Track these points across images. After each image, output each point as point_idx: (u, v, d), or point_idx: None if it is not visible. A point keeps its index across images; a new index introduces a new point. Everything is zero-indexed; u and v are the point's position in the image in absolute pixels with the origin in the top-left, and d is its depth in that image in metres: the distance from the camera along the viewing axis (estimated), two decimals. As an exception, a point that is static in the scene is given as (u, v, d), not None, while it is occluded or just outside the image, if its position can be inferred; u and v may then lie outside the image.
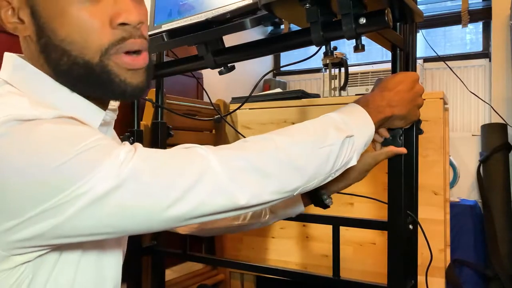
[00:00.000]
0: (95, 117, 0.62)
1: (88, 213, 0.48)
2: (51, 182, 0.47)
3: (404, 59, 0.83)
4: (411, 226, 0.85)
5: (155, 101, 1.36)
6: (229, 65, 0.93)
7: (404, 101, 0.76)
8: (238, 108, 1.26)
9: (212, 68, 0.93)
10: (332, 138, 0.64)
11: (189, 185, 0.52)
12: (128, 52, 0.58)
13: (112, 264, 0.65)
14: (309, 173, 0.62)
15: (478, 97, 2.00)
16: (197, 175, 0.53)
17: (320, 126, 0.66)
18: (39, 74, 0.58)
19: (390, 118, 0.76)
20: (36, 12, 0.56)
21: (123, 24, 0.57)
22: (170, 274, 1.68)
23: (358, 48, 0.73)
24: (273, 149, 0.60)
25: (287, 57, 3.14)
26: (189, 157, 0.54)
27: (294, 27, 3.39)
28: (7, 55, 0.60)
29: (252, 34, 2.87)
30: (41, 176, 0.47)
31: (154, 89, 1.48)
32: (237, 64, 0.95)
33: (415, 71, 0.86)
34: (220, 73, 0.95)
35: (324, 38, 0.72)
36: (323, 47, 0.77)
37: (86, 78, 0.58)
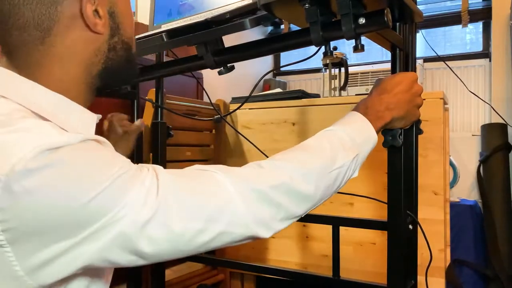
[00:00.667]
0: (92, 122, 0.64)
1: (116, 242, 0.51)
2: (86, 213, 0.49)
3: (403, 59, 0.83)
4: (411, 226, 0.85)
5: (155, 101, 1.36)
6: (228, 65, 0.93)
7: (402, 103, 0.77)
8: (238, 108, 1.26)
9: (212, 68, 0.93)
10: (341, 160, 0.68)
11: (211, 217, 0.55)
12: None
13: None
14: (318, 198, 0.66)
15: (478, 97, 2.00)
16: (218, 207, 0.56)
17: (330, 148, 0.68)
18: (29, 82, 0.58)
19: (390, 122, 0.77)
20: (114, 12, 0.62)
21: None
22: (170, 274, 1.68)
23: (358, 48, 0.73)
24: (287, 180, 0.62)
25: (287, 57, 3.14)
26: (210, 188, 0.57)
27: (294, 27, 3.38)
28: None
29: (252, 34, 2.87)
30: (75, 208, 0.48)
31: (154, 89, 1.48)
32: (237, 64, 0.95)
33: (415, 71, 0.86)
34: (220, 73, 0.95)
35: (324, 38, 0.72)
36: (323, 47, 0.77)
37: (129, 70, 0.67)
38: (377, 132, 0.75)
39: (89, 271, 0.57)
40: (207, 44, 0.90)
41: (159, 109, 1.35)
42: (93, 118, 0.64)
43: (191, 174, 0.59)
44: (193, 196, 0.55)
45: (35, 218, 0.48)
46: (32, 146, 0.47)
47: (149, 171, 0.55)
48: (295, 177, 0.63)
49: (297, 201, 0.63)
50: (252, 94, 1.19)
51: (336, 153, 0.68)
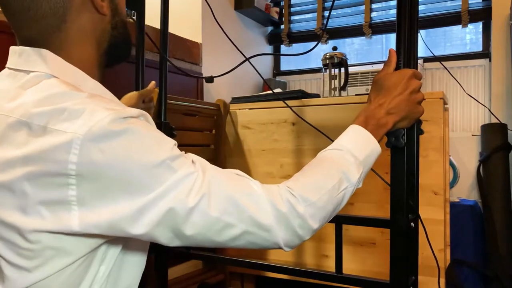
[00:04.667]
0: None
1: (165, 218, 0.58)
2: (148, 176, 0.56)
3: (405, 59, 0.84)
4: (412, 224, 0.86)
5: (157, 102, 1.35)
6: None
7: (402, 104, 0.78)
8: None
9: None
10: (346, 182, 0.72)
11: (242, 215, 0.61)
12: None
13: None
14: (328, 218, 0.72)
15: (478, 101, 2.00)
16: (249, 208, 0.62)
17: (336, 172, 0.72)
18: (74, 68, 0.67)
19: (393, 126, 0.79)
20: None
21: None
22: (171, 273, 1.68)
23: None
24: (311, 203, 0.67)
25: (287, 58, 3.15)
26: (245, 190, 0.63)
27: (294, 27, 3.36)
28: (35, 50, 0.65)
29: (252, 34, 2.87)
30: (139, 171, 0.56)
31: (155, 89, 1.48)
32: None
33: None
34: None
35: None
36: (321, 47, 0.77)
37: (127, 45, 0.77)
38: (381, 140, 0.77)
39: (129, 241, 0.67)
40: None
41: (163, 109, 1.34)
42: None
43: (231, 175, 0.65)
44: (231, 193, 0.61)
45: (104, 176, 0.55)
46: (105, 114, 0.56)
47: (197, 161, 0.62)
48: (314, 202, 0.68)
49: (314, 220, 0.68)
50: (252, 94, 1.18)
51: (341, 177, 0.71)
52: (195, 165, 0.61)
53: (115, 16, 0.72)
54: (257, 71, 1.16)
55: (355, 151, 0.74)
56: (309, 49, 1.05)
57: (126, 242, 0.68)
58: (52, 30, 0.65)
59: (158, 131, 0.63)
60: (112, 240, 0.63)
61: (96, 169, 0.55)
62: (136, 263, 0.72)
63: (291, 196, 0.65)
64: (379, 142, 0.77)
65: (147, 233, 0.58)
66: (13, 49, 0.66)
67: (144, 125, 0.60)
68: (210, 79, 1.25)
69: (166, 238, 0.60)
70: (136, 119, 0.60)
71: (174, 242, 0.61)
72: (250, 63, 1.08)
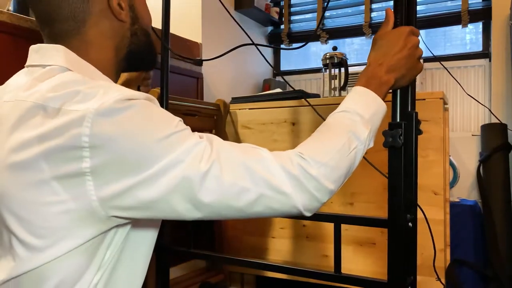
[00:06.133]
0: None
1: (180, 187, 0.60)
2: (158, 147, 0.59)
3: (404, 18, 0.84)
4: (410, 224, 0.86)
5: (159, 102, 1.35)
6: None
7: (402, 60, 0.79)
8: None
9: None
10: (356, 141, 0.72)
11: (255, 179, 0.63)
12: None
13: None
14: (344, 177, 0.71)
15: (478, 101, 2.00)
16: (262, 172, 0.63)
17: (344, 132, 0.72)
18: (88, 65, 0.70)
19: (394, 84, 0.79)
20: (133, 5, 0.76)
21: None
22: (171, 273, 1.68)
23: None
24: (323, 164, 0.67)
25: (287, 57, 3.15)
26: (256, 157, 0.65)
27: (294, 27, 3.37)
28: (51, 46, 0.69)
29: (253, 34, 2.86)
30: (149, 142, 0.59)
31: (155, 89, 1.48)
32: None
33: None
34: None
35: None
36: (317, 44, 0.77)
37: (150, 54, 0.81)
38: (385, 97, 0.78)
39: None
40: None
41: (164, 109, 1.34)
42: None
43: (239, 145, 0.67)
44: (241, 159, 0.63)
45: (116, 147, 0.58)
46: (114, 94, 0.59)
47: (204, 135, 0.65)
48: (325, 162, 0.68)
49: (329, 180, 0.68)
50: (252, 94, 1.19)
51: (350, 136, 0.72)
52: (203, 138, 0.64)
53: (134, 23, 0.76)
54: (259, 51, 1.16)
55: (360, 111, 0.74)
56: (302, 44, 1.05)
57: (134, 229, 0.69)
58: (72, 32, 0.70)
59: (165, 110, 0.66)
60: (121, 225, 0.65)
61: (108, 140, 0.57)
62: (143, 253, 0.73)
63: (301, 160, 0.66)
64: (383, 100, 0.78)
65: (165, 200, 0.60)
66: (31, 48, 0.70)
67: (151, 105, 0.63)
68: (199, 62, 1.26)
69: (184, 209, 0.61)
70: (144, 100, 0.63)
71: (195, 214, 0.62)
72: (256, 47, 1.09)
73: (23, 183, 0.60)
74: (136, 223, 0.69)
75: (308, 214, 0.68)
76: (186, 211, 0.62)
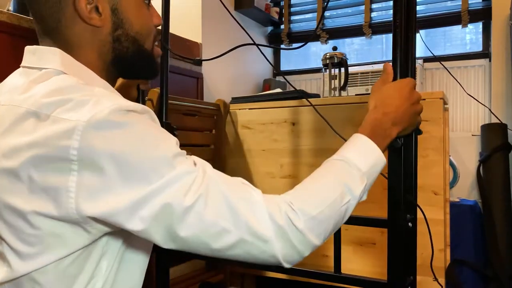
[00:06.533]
0: None
1: (161, 213, 0.57)
2: (145, 168, 0.57)
3: (403, 59, 0.84)
4: (410, 224, 0.86)
5: (159, 102, 1.35)
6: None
7: (406, 115, 0.78)
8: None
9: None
10: (349, 195, 0.70)
11: (238, 223, 0.60)
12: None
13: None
14: (330, 231, 0.69)
15: (478, 101, 2.00)
16: (247, 216, 0.61)
17: (339, 184, 0.70)
18: (84, 67, 0.69)
19: (396, 136, 0.79)
20: (117, 9, 0.70)
21: (157, 24, 0.78)
22: (171, 273, 1.68)
23: None
24: (311, 217, 0.65)
25: (287, 57, 3.15)
26: (245, 198, 0.62)
27: (294, 27, 3.36)
28: (48, 49, 0.68)
29: (252, 34, 2.86)
30: (138, 161, 0.57)
31: (155, 89, 1.48)
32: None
33: (414, 71, 0.86)
34: None
35: None
36: (315, 45, 0.77)
37: (141, 62, 0.75)
38: (384, 151, 0.77)
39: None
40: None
41: (164, 110, 1.34)
42: None
43: (232, 180, 0.64)
44: (228, 198, 0.61)
45: (104, 164, 0.56)
46: (108, 105, 0.57)
47: (198, 163, 0.62)
48: (316, 216, 0.66)
49: (314, 234, 0.66)
50: (252, 94, 1.19)
51: (343, 190, 0.69)
52: (196, 166, 0.61)
53: (118, 29, 0.71)
54: (260, 51, 1.16)
55: (359, 163, 0.72)
56: (302, 44, 1.05)
57: (128, 238, 0.68)
58: (53, 32, 0.68)
59: (162, 128, 0.63)
60: (113, 233, 0.64)
61: (96, 156, 0.56)
62: (139, 261, 0.72)
63: (290, 211, 0.63)
64: (383, 152, 0.76)
65: (144, 230, 0.58)
66: (27, 49, 0.69)
67: (147, 121, 0.61)
68: (199, 62, 1.26)
69: (161, 238, 0.59)
70: (140, 114, 0.61)
71: (169, 244, 0.60)
72: (257, 47, 1.08)
73: (12, 189, 0.59)
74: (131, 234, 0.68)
75: (287, 265, 0.65)
76: (161, 239, 0.60)
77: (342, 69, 2.10)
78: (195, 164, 0.62)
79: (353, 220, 1.23)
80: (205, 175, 0.61)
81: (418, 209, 0.88)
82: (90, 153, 0.56)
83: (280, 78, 3.06)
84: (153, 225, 0.58)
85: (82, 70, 0.68)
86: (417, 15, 0.87)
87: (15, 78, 0.69)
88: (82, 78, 0.65)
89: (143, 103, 1.26)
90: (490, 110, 2.35)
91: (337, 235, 1.12)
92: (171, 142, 0.62)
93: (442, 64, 1.69)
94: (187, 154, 0.64)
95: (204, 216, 0.58)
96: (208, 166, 0.63)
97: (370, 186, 0.75)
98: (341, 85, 2.08)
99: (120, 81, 1.01)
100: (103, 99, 0.58)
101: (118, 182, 0.56)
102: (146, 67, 0.77)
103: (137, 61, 0.75)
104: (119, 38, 0.71)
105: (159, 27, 0.78)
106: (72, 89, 0.61)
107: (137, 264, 0.72)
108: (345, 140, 0.77)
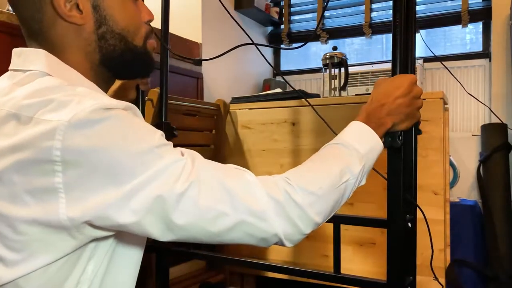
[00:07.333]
0: None
1: (154, 207, 0.56)
2: (132, 163, 0.56)
3: (403, 59, 0.84)
4: (410, 224, 0.86)
5: (159, 102, 1.35)
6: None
7: (402, 107, 0.78)
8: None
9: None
10: (348, 174, 0.70)
11: (235, 204, 0.59)
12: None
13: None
14: (329, 211, 0.69)
15: (478, 100, 2.00)
16: (243, 197, 0.60)
17: (336, 163, 0.70)
18: (70, 69, 0.67)
19: (391, 127, 0.79)
20: (99, 6, 0.67)
21: (149, 20, 0.75)
22: (171, 273, 1.68)
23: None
24: (310, 193, 0.65)
25: (287, 57, 3.15)
26: (239, 179, 0.62)
27: (294, 27, 3.36)
28: (32, 51, 0.66)
29: (252, 34, 2.86)
30: (123, 157, 0.56)
31: (155, 89, 1.48)
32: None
33: (414, 71, 0.86)
34: None
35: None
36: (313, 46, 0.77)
37: (133, 60, 0.73)
38: (381, 138, 0.77)
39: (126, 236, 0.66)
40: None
41: (164, 109, 1.34)
42: None
43: (223, 165, 0.64)
44: (222, 181, 0.60)
45: (88, 162, 0.55)
46: (90, 103, 0.56)
47: (186, 152, 0.61)
48: (313, 192, 0.66)
49: (314, 210, 0.66)
50: (252, 95, 1.19)
51: (342, 168, 0.70)
52: (184, 155, 0.60)
53: (101, 26, 0.68)
54: (259, 51, 1.16)
55: (356, 145, 0.73)
56: (302, 44, 1.05)
57: (118, 241, 0.67)
58: (37, 33, 0.67)
59: (145, 122, 0.62)
60: (101, 238, 0.62)
61: (80, 155, 0.55)
62: (130, 264, 0.71)
63: (287, 185, 0.63)
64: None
65: (137, 223, 0.57)
66: (14, 51, 0.68)
67: (129, 116, 0.60)
68: (198, 62, 1.26)
69: (157, 230, 0.58)
70: (122, 110, 0.59)
71: (167, 235, 0.59)
72: (256, 47, 1.08)
73: None
74: (121, 233, 0.66)
75: (289, 244, 0.64)
76: (157, 231, 0.58)
77: (342, 69, 2.10)
78: (182, 154, 0.61)
79: (353, 220, 1.24)
80: (194, 162, 0.60)
81: (418, 209, 0.88)
82: (74, 152, 0.54)
83: (280, 78, 3.06)
84: (147, 217, 0.57)
85: (68, 71, 0.66)
86: (417, 15, 0.87)
87: (2, 81, 0.67)
88: (67, 79, 0.64)
89: (143, 103, 1.27)
90: (490, 109, 2.35)
91: (337, 235, 1.12)
92: (156, 134, 0.60)
93: (443, 64, 1.69)
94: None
95: (199, 201, 0.58)
96: (197, 155, 0.62)
97: (369, 170, 0.76)
98: (341, 85, 2.08)
99: (117, 83, 1.00)
100: (85, 98, 0.57)
101: (105, 179, 0.55)
102: (138, 64, 0.75)
103: (127, 59, 0.72)
104: (104, 36, 0.69)
105: (158, 26, 0.73)
106: (54, 90, 0.59)
107: (128, 267, 0.70)
108: None
